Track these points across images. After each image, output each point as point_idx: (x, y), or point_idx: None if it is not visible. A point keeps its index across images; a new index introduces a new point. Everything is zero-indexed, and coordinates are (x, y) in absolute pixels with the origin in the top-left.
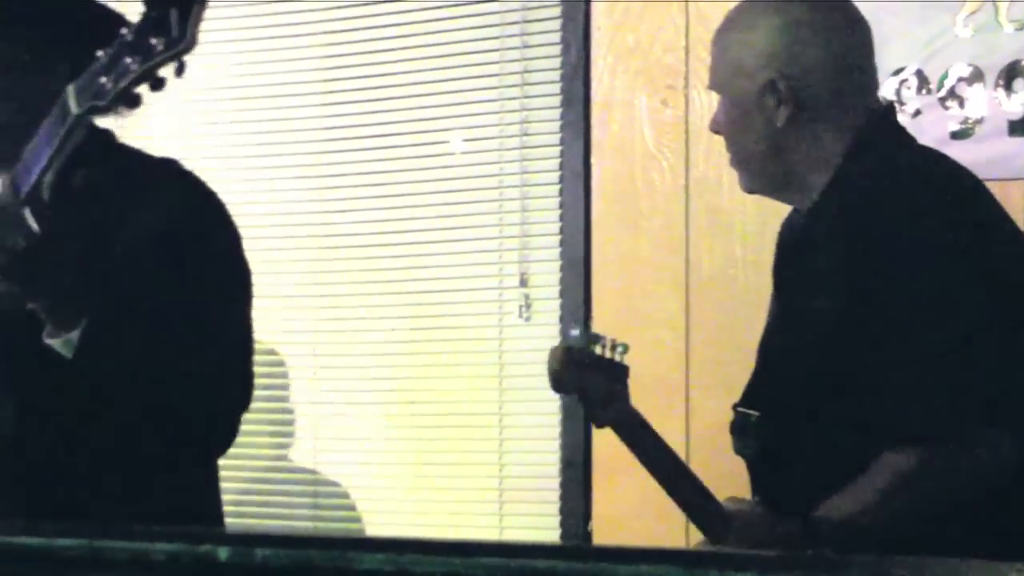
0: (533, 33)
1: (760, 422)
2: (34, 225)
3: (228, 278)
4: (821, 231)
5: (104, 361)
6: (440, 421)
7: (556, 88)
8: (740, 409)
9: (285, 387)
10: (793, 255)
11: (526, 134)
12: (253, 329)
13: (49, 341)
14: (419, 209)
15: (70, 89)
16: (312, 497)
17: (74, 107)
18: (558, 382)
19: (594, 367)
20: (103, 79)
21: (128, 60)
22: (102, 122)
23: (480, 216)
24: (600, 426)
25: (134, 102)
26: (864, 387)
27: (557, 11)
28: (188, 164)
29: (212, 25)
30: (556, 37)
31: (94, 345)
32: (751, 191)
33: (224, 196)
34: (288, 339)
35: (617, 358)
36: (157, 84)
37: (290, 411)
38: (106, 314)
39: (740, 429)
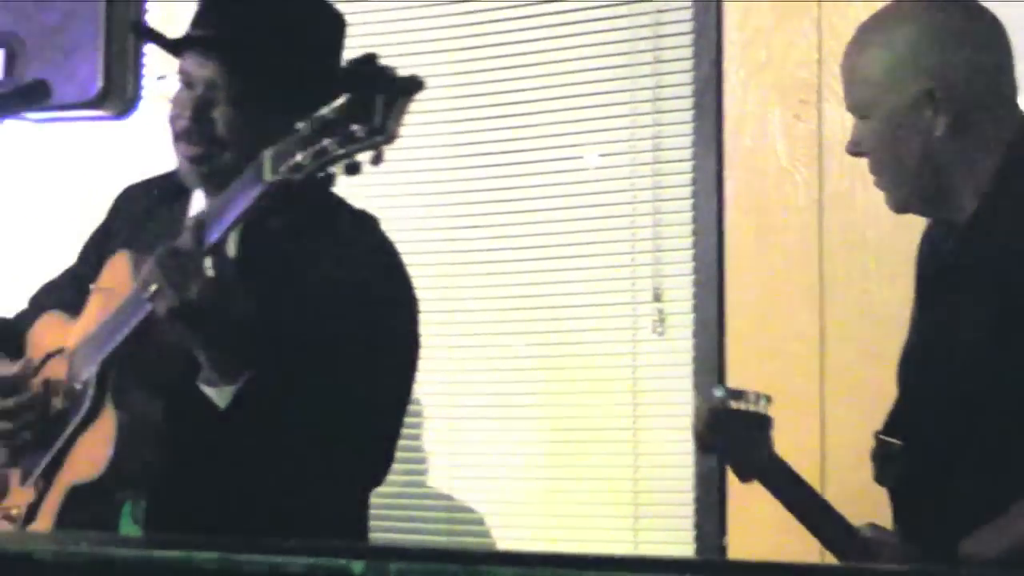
0: (665, 48)
1: (903, 452)
2: (213, 275)
3: (403, 353)
4: (978, 253)
5: (257, 419)
6: (574, 436)
7: (688, 103)
8: (883, 437)
9: (420, 404)
10: (941, 276)
11: (658, 149)
12: (409, 403)
13: (204, 388)
14: (552, 225)
15: (267, 155)
16: (447, 512)
17: (268, 175)
18: (704, 444)
19: (737, 425)
20: (300, 155)
21: (327, 142)
22: None
23: (613, 232)
24: (745, 481)
25: (328, 180)
26: (1018, 418)
27: (689, 26)
28: None
29: None
30: (688, 52)
31: (251, 402)
32: (903, 210)
33: None
34: (422, 355)
35: (761, 410)
36: (352, 169)
37: (426, 426)
38: (269, 377)
39: (882, 458)
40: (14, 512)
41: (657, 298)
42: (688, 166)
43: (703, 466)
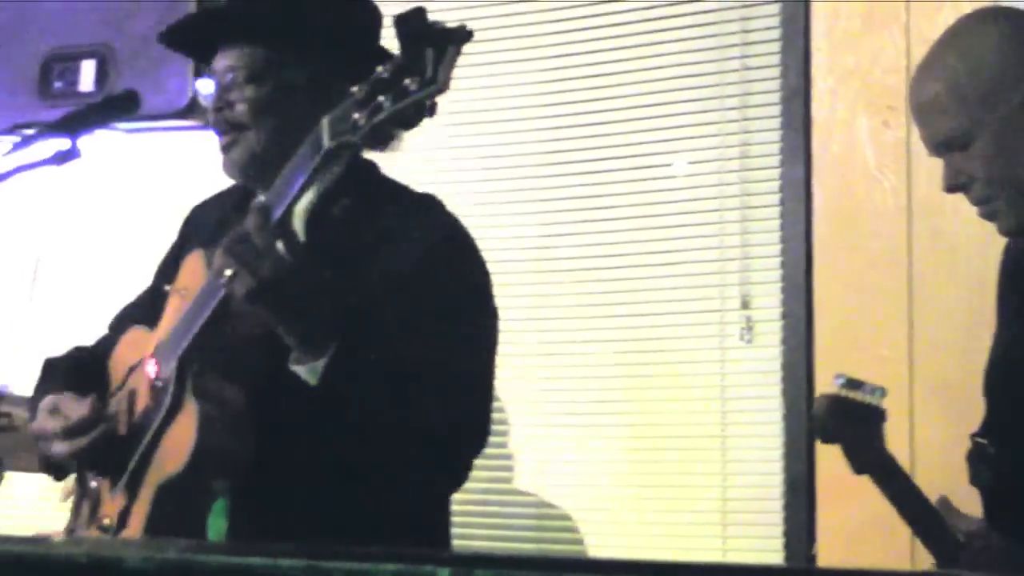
0: (753, 56)
1: (996, 453)
2: (283, 252)
3: (480, 319)
4: None
5: (349, 390)
6: (663, 444)
7: (776, 111)
8: (977, 439)
9: (509, 410)
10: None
11: (746, 156)
12: (494, 373)
13: (295, 368)
14: (640, 232)
15: (324, 122)
16: (534, 519)
17: (326, 141)
18: (824, 431)
19: (856, 415)
20: (356, 115)
21: (381, 98)
22: (366, 154)
23: (701, 239)
24: (859, 472)
25: (386, 139)
26: None
27: (776, 33)
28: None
29: None
30: (776, 60)
31: (341, 374)
32: (1019, 232)
33: None
34: (511, 363)
35: (876, 402)
36: (408, 122)
37: (514, 433)
38: (356, 344)
39: (976, 459)
40: (106, 522)
41: (745, 305)
42: (776, 173)
43: (792, 474)
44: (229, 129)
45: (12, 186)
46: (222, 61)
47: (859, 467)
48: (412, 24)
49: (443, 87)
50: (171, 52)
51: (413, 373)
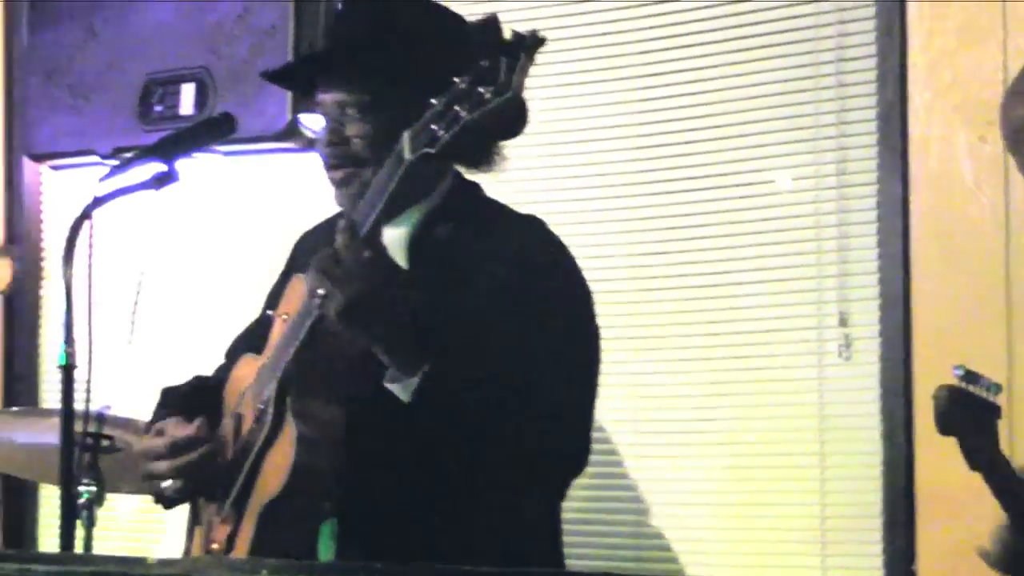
0: (849, 72)
1: None
2: (372, 267)
3: (582, 339)
4: None
5: (443, 408)
6: (761, 462)
7: (872, 127)
8: None
9: (606, 428)
10: None
11: (843, 173)
12: (596, 395)
13: (389, 385)
14: (737, 250)
15: (405, 136)
16: (633, 538)
17: (407, 153)
18: (944, 422)
19: (974, 407)
20: (435, 127)
21: (458, 108)
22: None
23: (798, 256)
24: (973, 468)
25: (488, 158)
26: None
27: (872, 49)
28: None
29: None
30: (872, 76)
31: (434, 392)
32: None
33: None
34: (607, 380)
35: (991, 398)
36: (489, 133)
37: (612, 452)
38: (451, 364)
39: None
40: (215, 547)
41: (843, 322)
42: (873, 189)
43: (892, 492)
44: (347, 164)
45: (114, 208)
46: (330, 95)
47: (974, 462)
48: (486, 33)
49: (516, 94)
50: None
51: (515, 392)
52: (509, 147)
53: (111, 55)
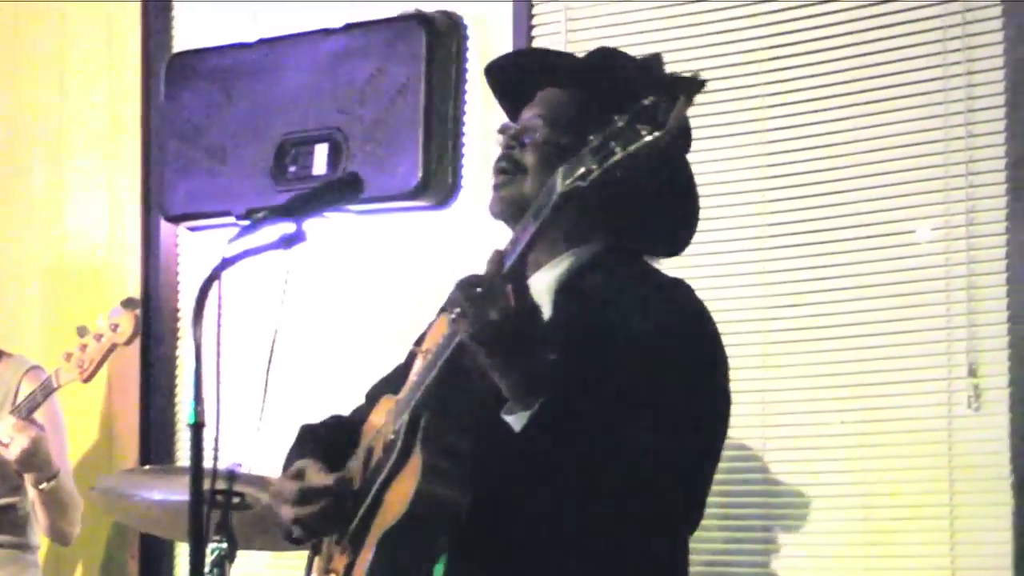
0: (977, 123)
1: None
2: (512, 300)
3: (710, 400)
4: None
5: (553, 444)
6: (890, 514)
7: (1002, 177)
8: None
9: (735, 479)
10: None
11: (972, 224)
12: (717, 459)
13: (505, 417)
14: (865, 302)
15: (560, 170)
16: None
17: (559, 186)
18: None
19: None
20: (588, 162)
21: (612, 144)
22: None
23: (927, 307)
24: None
25: (632, 197)
26: None
27: (1001, 100)
28: None
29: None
30: (1001, 125)
31: (544, 427)
32: None
33: None
34: (735, 433)
35: None
36: (640, 172)
37: (741, 504)
38: (569, 404)
39: None
40: None
41: (972, 373)
42: (1003, 240)
43: (1022, 543)
44: (510, 167)
45: (248, 267)
46: (532, 109)
47: None
48: (648, 71)
49: (671, 134)
50: (401, 134)
51: (634, 446)
52: None
53: (246, 117)
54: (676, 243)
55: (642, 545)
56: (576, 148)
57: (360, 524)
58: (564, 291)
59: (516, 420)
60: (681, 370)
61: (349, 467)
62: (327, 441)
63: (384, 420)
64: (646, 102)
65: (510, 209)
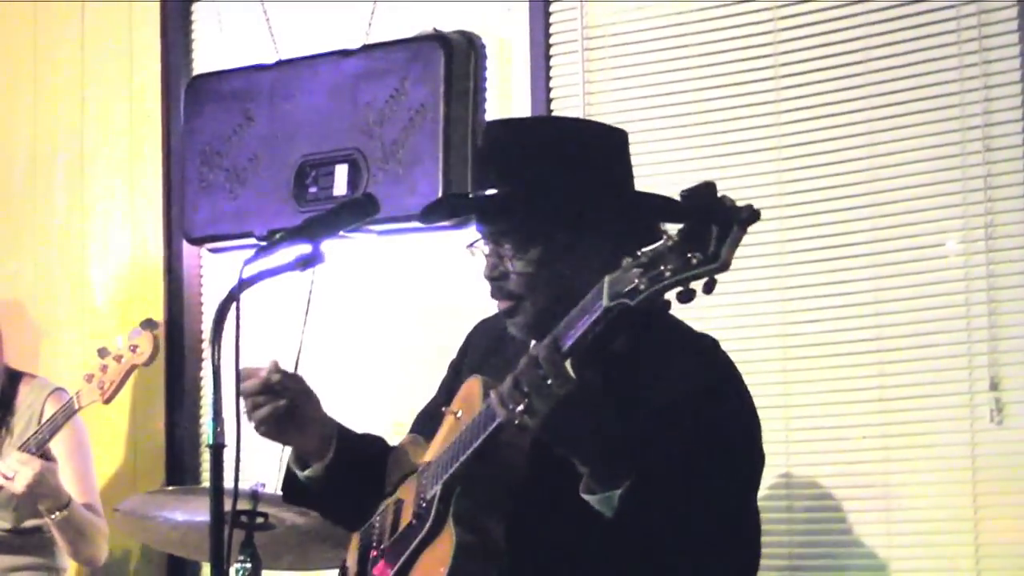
0: (995, 136)
1: None
2: (572, 375)
3: (746, 460)
4: None
5: (652, 523)
6: (914, 528)
7: (1020, 191)
8: None
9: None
10: None
11: (991, 237)
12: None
13: (587, 497)
14: (886, 316)
15: (607, 280)
16: None
17: (605, 300)
18: None
19: None
20: (637, 280)
21: (663, 267)
22: None
23: (948, 321)
24: None
25: (664, 307)
26: None
27: (1019, 113)
28: None
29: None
30: (1019, 140)
31: (643, 505)
32: None
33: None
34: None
35: None
36: (686, 296)
37: (765, 520)
38: (650, 476)
39: None
40: None
41: (994, 386)
42: (1022, 254)
43: None
44: (505, 298)
45: (268, 287)
46: (489, 227)
47: None
48: (700, 198)
49: (724, 266)
50: (420, 153)
51: (686, 508)
52: None
53: (266, 138)
54: None
55: None
56: (554, 255)
57: None
58: (593, 355)
59: (600, 501)
60: (730, 433)
61: (379, 513)
62: (363, 446)
63: (409, 466)
64: (698, 227)
65: (532, 331)
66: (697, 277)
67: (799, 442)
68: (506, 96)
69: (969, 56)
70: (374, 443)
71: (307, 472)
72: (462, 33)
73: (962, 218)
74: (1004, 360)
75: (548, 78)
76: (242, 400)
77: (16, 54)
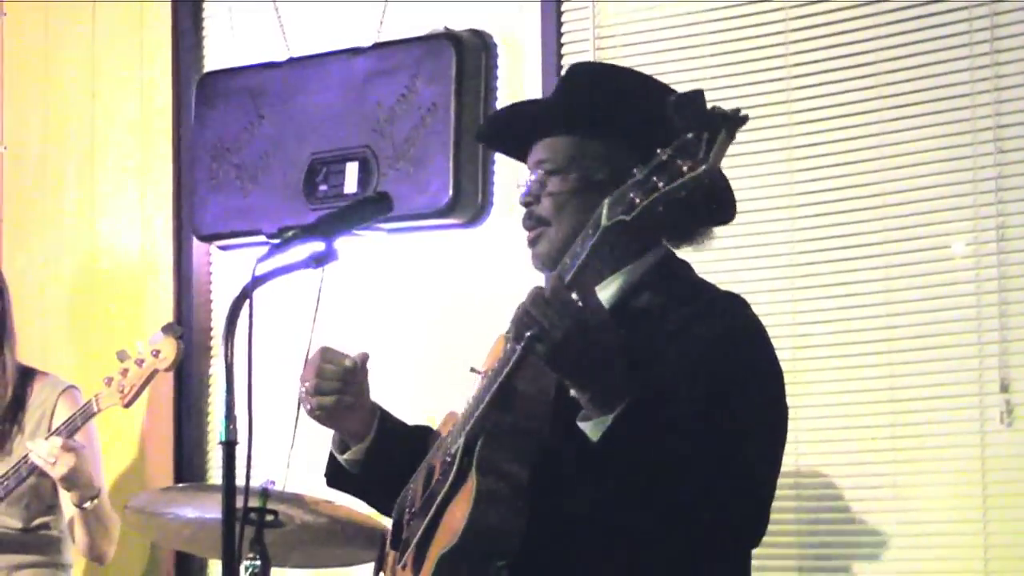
0: (1006, 139)
1: None
2: (579, 306)
3: (768, 410)
4: None
5: (631, 449)
6: (923, 529)
7: None
8: None
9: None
10: None
11: (1003, 239)
12: (778, 471)
13: (581, 424)
14: (895, 318)
15: (606, 203)
16: None
17: (604, 220)
18: None
19: None
20: (632, 195)
21: (655, 179)
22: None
23: (958, 323)
24: None
25: (690, 234)
26: None
27: None
28: None
29: None
30: None
31: (626, 431)
32: None
33: None
34: None
35: None
36: (685, 206)
37: (773, 520)
38: (644, 407)
39: None
40: None
41: (1005, 389)
42: None
43: None
44: (535, 224)
45: (281, 285)
46: (533, 156)
47: None
48: (689, 107)
49: (712, 170)
50: (431, 152)
51: (695, 453)
52: None
53: (277, 136)
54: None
55: (713, 562)
56: (588, 185)
57: (421, 542)
58: (617, 312)
59: (593, 427)
60: (746, 381)
61: (412, 481)
62: (406, 432)
63: (441, 445)
64: (689, 137)
65: (551, 261)
66: (687, 184)
67: (809, 442)
68: (517, 95)
69: (981, 57)
70: (416, 428)
71: (347, 455)
72: (473, 32)
73: (973, 219)
74: (1014, 362)
75: (559, 77)
76: (310, 379)
77: (27, 51)
